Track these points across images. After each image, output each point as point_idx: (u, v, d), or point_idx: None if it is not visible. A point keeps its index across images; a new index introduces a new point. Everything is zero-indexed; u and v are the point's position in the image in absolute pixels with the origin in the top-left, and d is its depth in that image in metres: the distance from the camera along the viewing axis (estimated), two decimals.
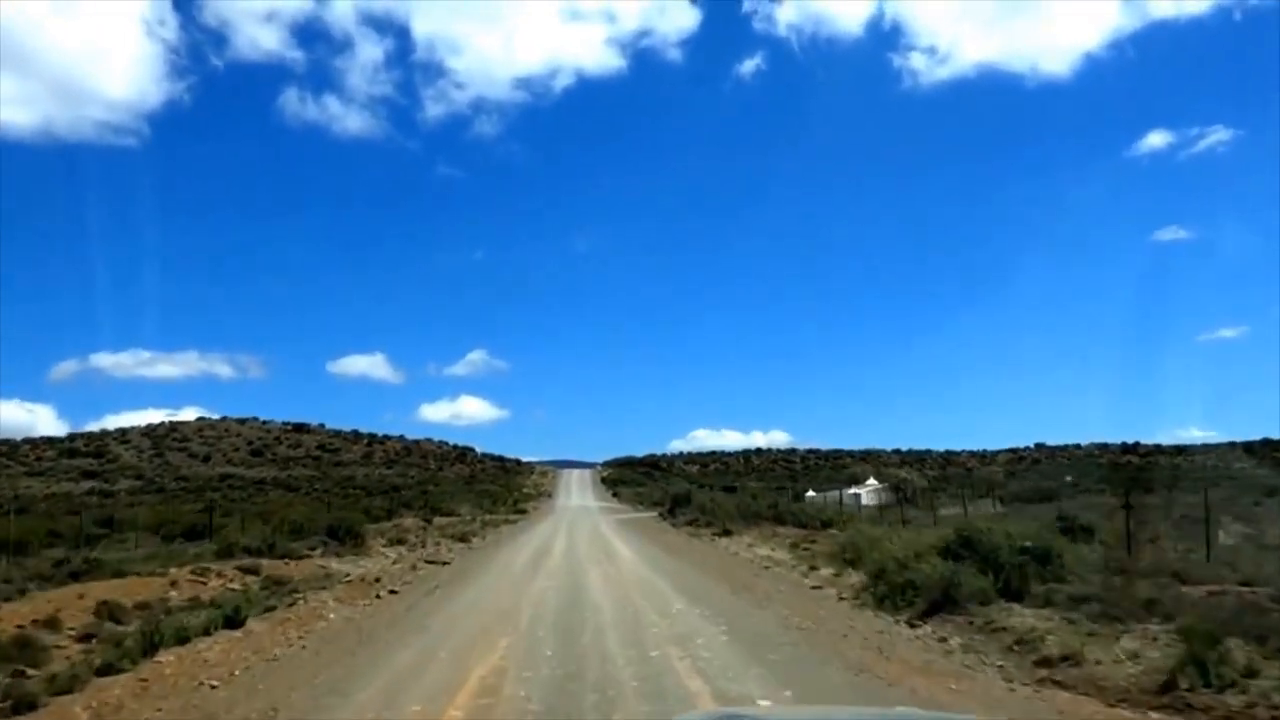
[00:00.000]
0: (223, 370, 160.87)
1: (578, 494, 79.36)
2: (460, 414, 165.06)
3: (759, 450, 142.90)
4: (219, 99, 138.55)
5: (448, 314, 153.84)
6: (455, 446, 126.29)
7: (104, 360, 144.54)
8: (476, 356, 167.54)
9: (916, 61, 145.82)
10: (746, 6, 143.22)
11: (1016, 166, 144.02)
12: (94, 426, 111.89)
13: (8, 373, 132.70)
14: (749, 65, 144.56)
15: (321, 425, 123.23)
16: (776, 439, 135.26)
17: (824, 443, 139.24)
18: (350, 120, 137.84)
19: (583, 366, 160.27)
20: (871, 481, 53.28)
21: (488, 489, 70.01)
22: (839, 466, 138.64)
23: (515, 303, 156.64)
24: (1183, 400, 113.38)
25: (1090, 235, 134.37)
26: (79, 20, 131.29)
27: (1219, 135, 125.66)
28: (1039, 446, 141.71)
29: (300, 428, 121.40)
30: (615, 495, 76.64)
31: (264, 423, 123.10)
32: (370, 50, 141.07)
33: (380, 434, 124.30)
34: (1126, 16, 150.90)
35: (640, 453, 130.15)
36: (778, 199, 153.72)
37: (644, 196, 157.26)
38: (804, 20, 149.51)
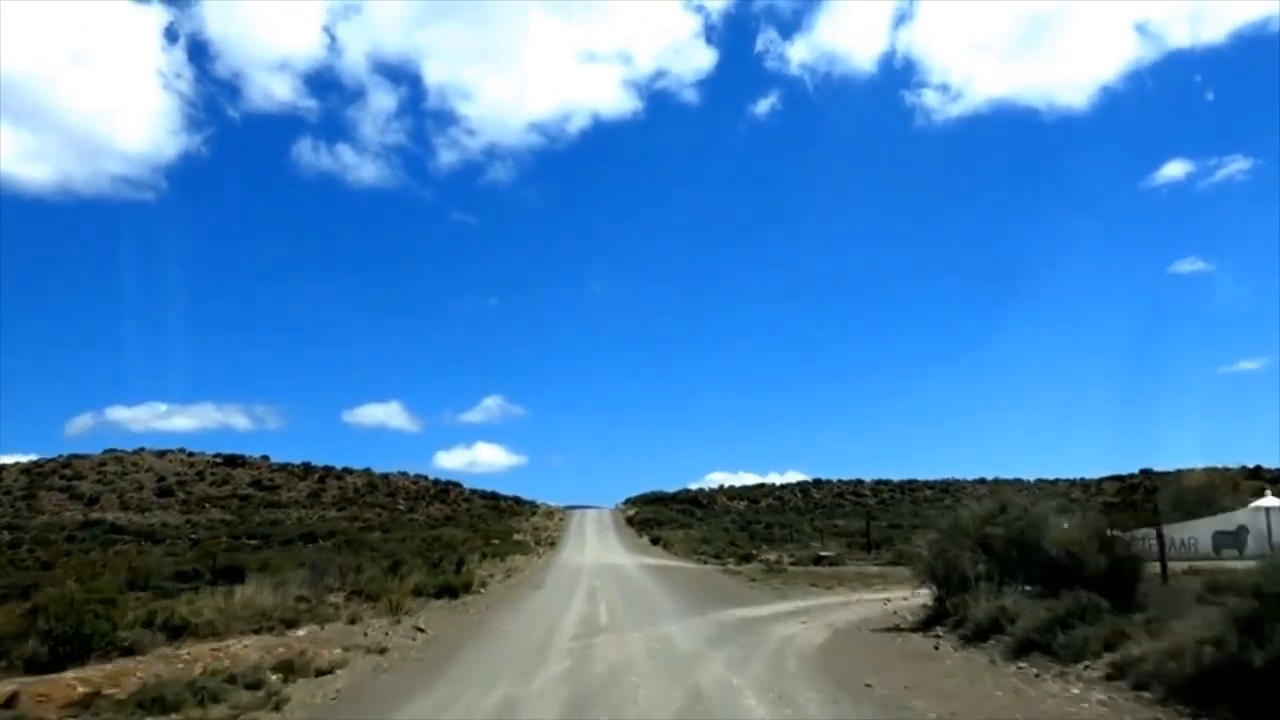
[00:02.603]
0: (239, 421, 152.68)
1: (596, 541, 51.56)
2: (477, 461, 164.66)
3: (819, 482, 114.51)
4: (234, 150, 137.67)
5: (463, 361, 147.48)
6: (435, 482, 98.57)
7: (120, 414, 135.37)
8: (492, 403, 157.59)
9: (930, 99, 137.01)
10: (759, 46, 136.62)
11: (1033, 200, 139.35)
12: None
13: (23, 426, 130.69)
14: (764, 105, 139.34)
15: (265, 457, 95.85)
16: (792, 479, 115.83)
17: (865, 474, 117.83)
18: (364, 169, 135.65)
19: (599, 410, 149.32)
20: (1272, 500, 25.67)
21: (455, 539, 41.95)
22: (921, 500, 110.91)
23: (531, 348, 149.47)
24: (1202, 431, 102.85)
25: (1108, 267, 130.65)
26: (95, 74, 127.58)
27: (1238, 165, 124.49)
28: (1145, 473, 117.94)
29: (233, 460, 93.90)
30: (659, 543, 48.49)
31: (190, 454, 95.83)
32: (383, 99, 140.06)
33: (340, 467, 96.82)
34: (1143, 48, 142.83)
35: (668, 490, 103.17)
36: (793, 238, 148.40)
37: (659, 238, 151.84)
38: (817, 59, 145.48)
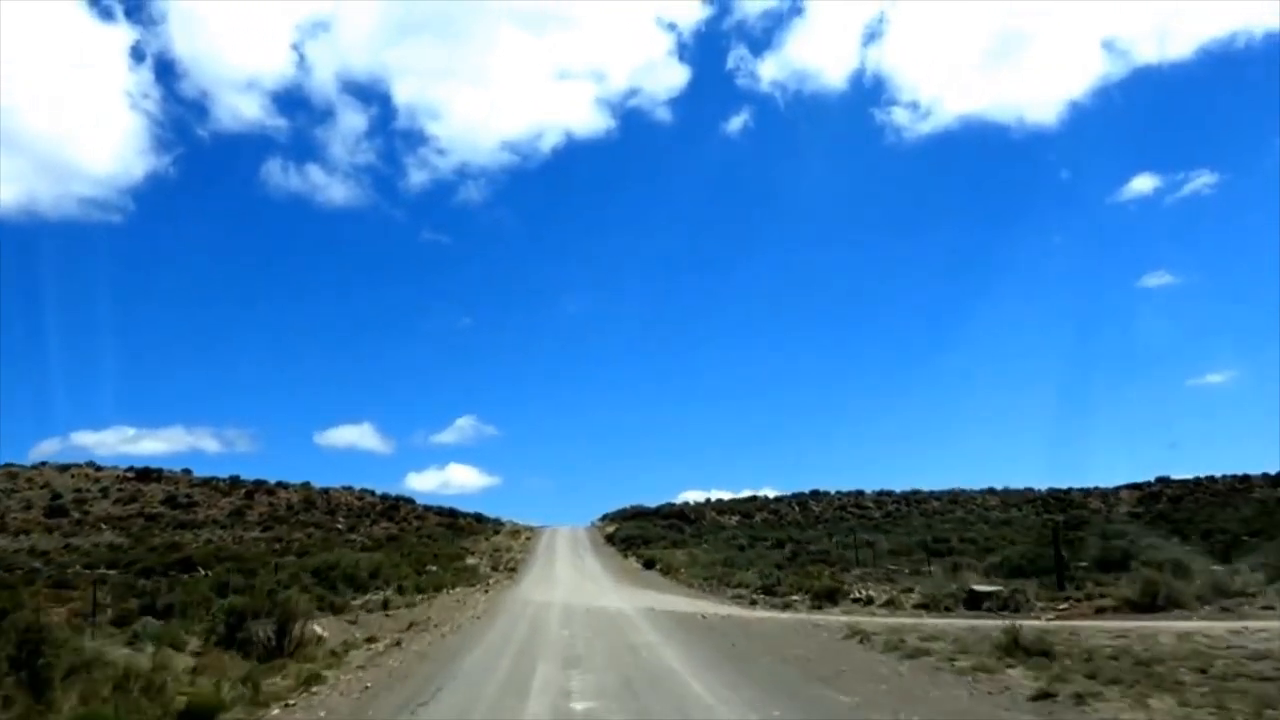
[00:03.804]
0: (209, 444, 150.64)
1: (570, 566, 39.73)
2: (449, 482, 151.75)
3: (816, 493, 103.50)
4: (202, 171, 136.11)
5: (435, 381, 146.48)
6: (383, 497, 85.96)
7: (86, 438, 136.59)
8: (465, 423, 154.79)
9: (900, 116, 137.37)
10: (730, 64, 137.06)
11: (1003, 215, 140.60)
12: None
13: None
14: (736, 123, 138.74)
15: (188, 471, 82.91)
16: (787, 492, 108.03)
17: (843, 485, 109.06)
18: (334, 190, 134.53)
19: (573, 430, 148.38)
20: None
21: (376, 565, 29.91)
22: (931, 512, 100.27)
23: (503, 368, 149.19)
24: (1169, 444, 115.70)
25: (1076, 281, 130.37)
26: (62, 94, 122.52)
27: (1205, 179, 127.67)
28: (1161, 480, 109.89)
29: (148, 474, 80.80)
30: (655, 567, 36.74)
31: (98, 469, 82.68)
32: (352, 118, 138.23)
33: (274, 481, 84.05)
34: (1111, 64, 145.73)
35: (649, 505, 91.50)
36: (765, 256, 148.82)
37: (633, 256, 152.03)
38: (788, 76, 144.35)
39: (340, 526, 72.90)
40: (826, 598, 19.73)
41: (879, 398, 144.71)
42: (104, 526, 66.78)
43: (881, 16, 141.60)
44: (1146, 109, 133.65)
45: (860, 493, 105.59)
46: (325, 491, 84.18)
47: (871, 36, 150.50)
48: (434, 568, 31.68)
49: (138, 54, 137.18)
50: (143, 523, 68.75)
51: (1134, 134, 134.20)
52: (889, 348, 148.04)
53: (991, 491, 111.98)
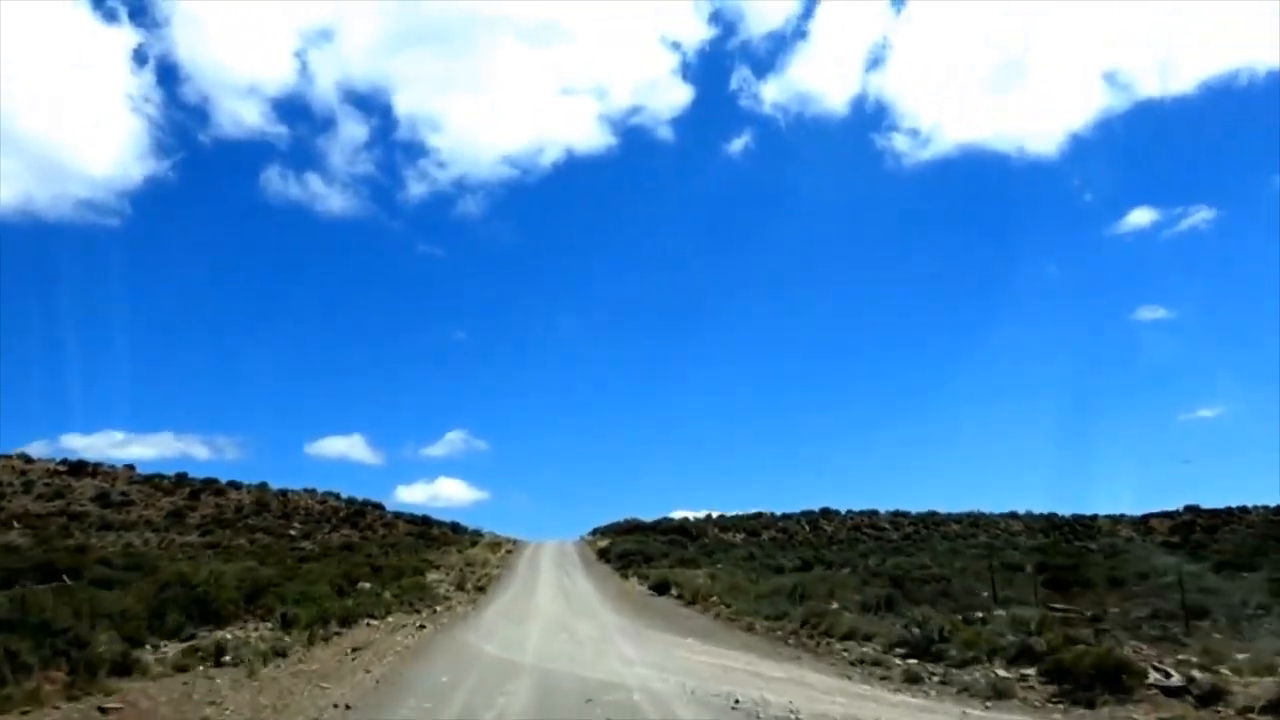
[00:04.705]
0: (199, 451, 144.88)
1: (553, 590, 30.77)
2: (439, 495, 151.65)
3: (827, 511, 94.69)
4: (201, 176, 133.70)
5: (427, 394, 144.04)
6: (349, 501, 76.65)
7: (75, 442, 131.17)
8: (455, 436, 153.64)
9: (900, 143, 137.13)
10: (733, 85, 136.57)
11: (1000, 245, 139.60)
12: None
13: None
14: (738, 144, 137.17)
15: (114, 467, 73.58)
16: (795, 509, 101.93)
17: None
18: (333, 199, 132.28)
19: (564, 446, 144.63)
20: None
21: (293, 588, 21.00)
22: (953, 535, 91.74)
23: (496, 382, 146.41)
24: (1163, 478, 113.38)
25: (1071, 313, 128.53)
26: (63, 96, 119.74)
27: (1203, 214, 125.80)
28: (1190, 509, 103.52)
29: (81, 468, 71.45)
30: (670, 592, 27.73)
31: (28, 461, 73.25)
32: (353, 128, 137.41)
33: (225, 481, 74.81)
34: (1113, 97, 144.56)
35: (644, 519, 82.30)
36: (763, 279, 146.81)
37: (630, 275, 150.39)
38: (789, 99, 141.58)
39: (293, 533, 63.74)
40: (1095, 678, 10.64)
41: (873, 419, 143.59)
42: (16, 524, 57.53)
43: (885, 42, 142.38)
44: (1147, 142, 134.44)
45: (874, 512, 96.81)
46: (283, 494, 74.94)
47: (874, 62, 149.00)
48: (370, 584, 22.90)
49: (140, 57, 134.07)
50: (64, 521, 59.52)
51: (1134, 167, 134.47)
52: (880, 372, 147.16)
53: (1014, 515, 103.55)
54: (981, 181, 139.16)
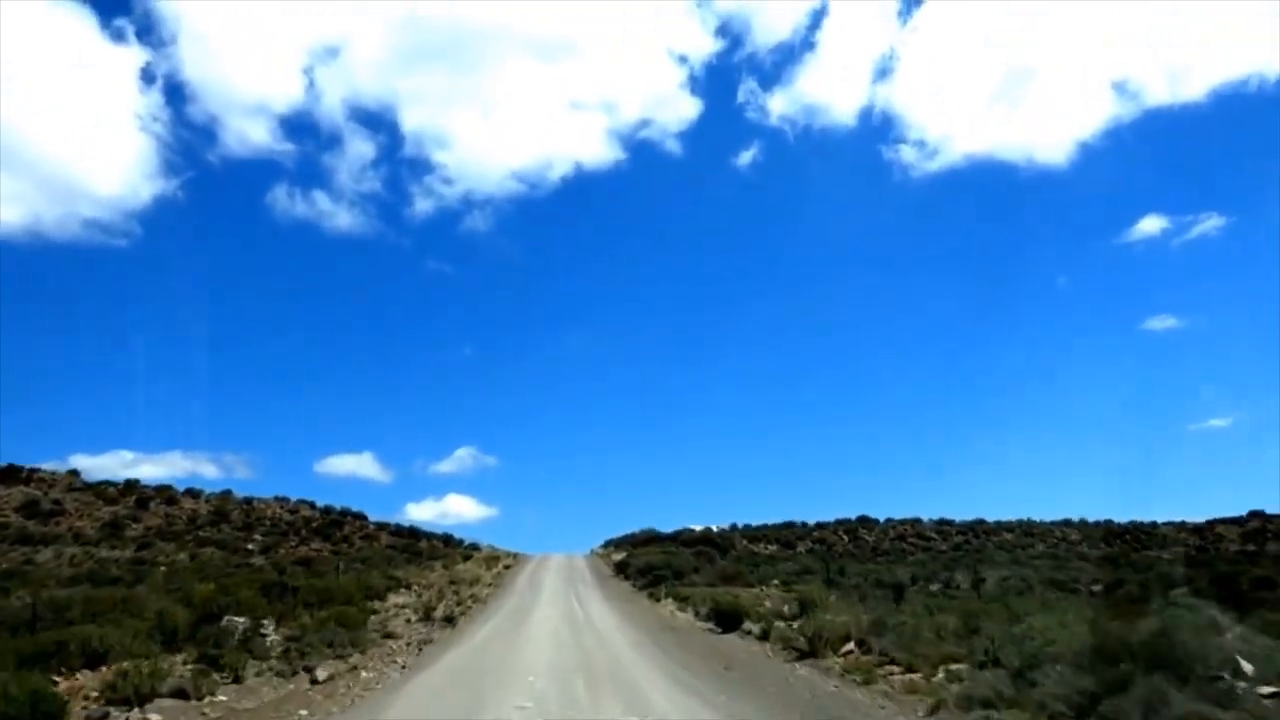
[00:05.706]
0: (208, 470, 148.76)
1: (557, 622, 21.05)
2: (447, 512, 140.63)
3: (865, 519, 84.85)
4: (209, 195, 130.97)
5: (437, 411, 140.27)
6: (325, 511, 66.90)
7: (84, 462, 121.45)
8: (464, 453, 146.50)
9: (907, 154, 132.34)
10: (740, 97, 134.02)
11: (1010, 254, 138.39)
12: None
13: None
14: (746, 156, 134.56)
15: (53, 473, 63.87)
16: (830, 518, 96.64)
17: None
18: (340, 217, 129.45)
19: (573, 463, 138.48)
20: None
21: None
22: (1008, 545, 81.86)
23: (505, 398, 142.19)
24: (1174, 487, 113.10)
25: (1081, 322, 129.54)
26: (71, 115, 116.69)
27: (1213, 222, 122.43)
28: (1255, 514, 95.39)
29: (12, 474, 61.74)
30: (744, 627, 17.99)
31: None
32: (360, 145, 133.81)
33: (182, 490, 65.11)
34: (1122, 105, 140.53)
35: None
36: (772, 292, 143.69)
37: (640, 289, 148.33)
38: (797, 111, 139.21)
39: (251, 546, 53.94)
40: None
41: (886, 429, 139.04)
42: None
43: (892, 53, 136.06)
44: (1156, 150, 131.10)
45: (917, 520, 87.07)
46: (247, 502, 65.23)
47: (882, 73, 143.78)
48: (243, 620, 13.34)
49: (148, 76, 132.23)
50: None
51: (1143, 175, 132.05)
52: (893, 381, 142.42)
53: (1068, 523, 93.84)
54: (991, 193, 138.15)
